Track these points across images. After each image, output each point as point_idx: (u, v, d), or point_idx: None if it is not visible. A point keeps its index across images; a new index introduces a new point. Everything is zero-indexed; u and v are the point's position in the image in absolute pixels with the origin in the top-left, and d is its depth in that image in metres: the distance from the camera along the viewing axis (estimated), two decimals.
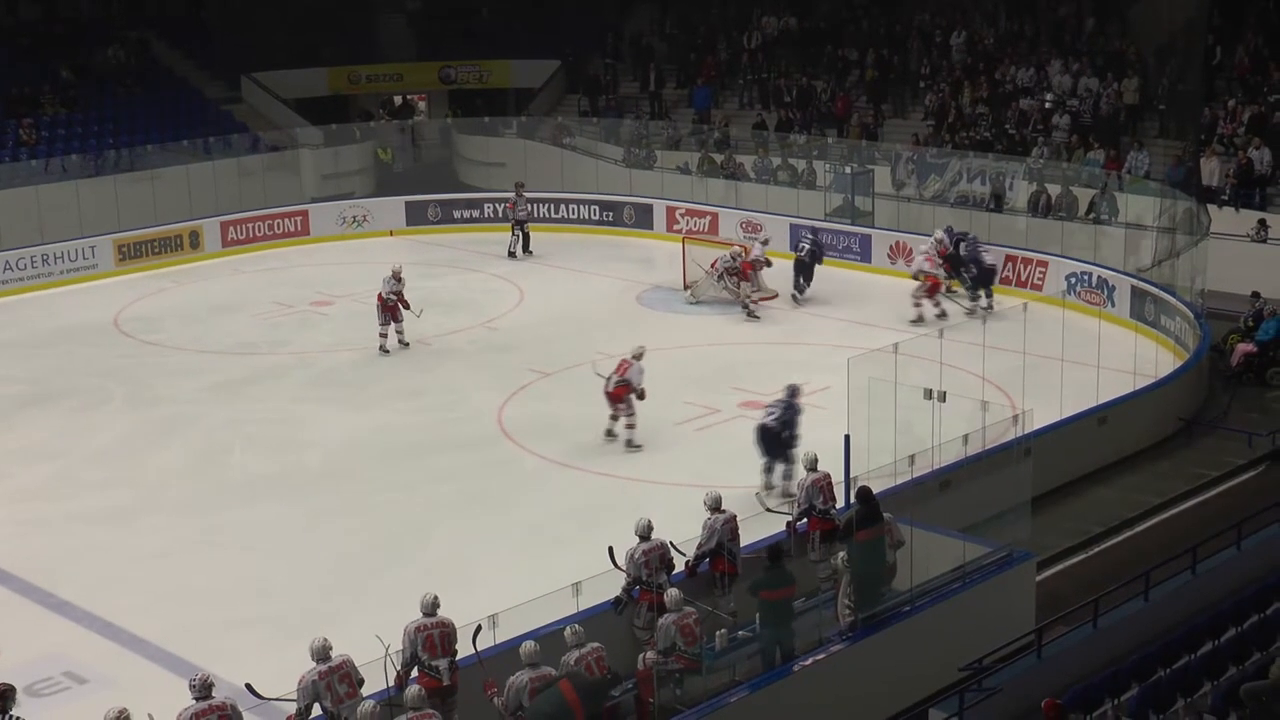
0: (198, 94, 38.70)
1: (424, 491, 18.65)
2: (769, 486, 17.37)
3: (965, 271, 25.67)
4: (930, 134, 32.96)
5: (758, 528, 14.06)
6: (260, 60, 40.00)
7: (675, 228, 32.03)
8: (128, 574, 16.39)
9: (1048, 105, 32.24)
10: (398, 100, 44.62)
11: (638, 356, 19.81)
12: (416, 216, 34.26)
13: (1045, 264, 26.73)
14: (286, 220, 33.96)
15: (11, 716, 10.00)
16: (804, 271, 26.94)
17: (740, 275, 26.53)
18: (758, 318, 25.92)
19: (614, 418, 19.87)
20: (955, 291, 25.99)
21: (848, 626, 12.93)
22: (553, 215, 34.10)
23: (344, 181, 36.93)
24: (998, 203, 29.52)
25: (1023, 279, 26.93)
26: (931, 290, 25.33)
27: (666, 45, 41.44)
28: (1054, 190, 28.72)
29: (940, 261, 25.65)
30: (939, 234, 26.12)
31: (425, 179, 37.72)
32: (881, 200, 30.79)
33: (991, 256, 25.90)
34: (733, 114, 37.32)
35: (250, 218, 33.50)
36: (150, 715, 10.95)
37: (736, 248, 27.42)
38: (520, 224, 31.51)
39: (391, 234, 33.53)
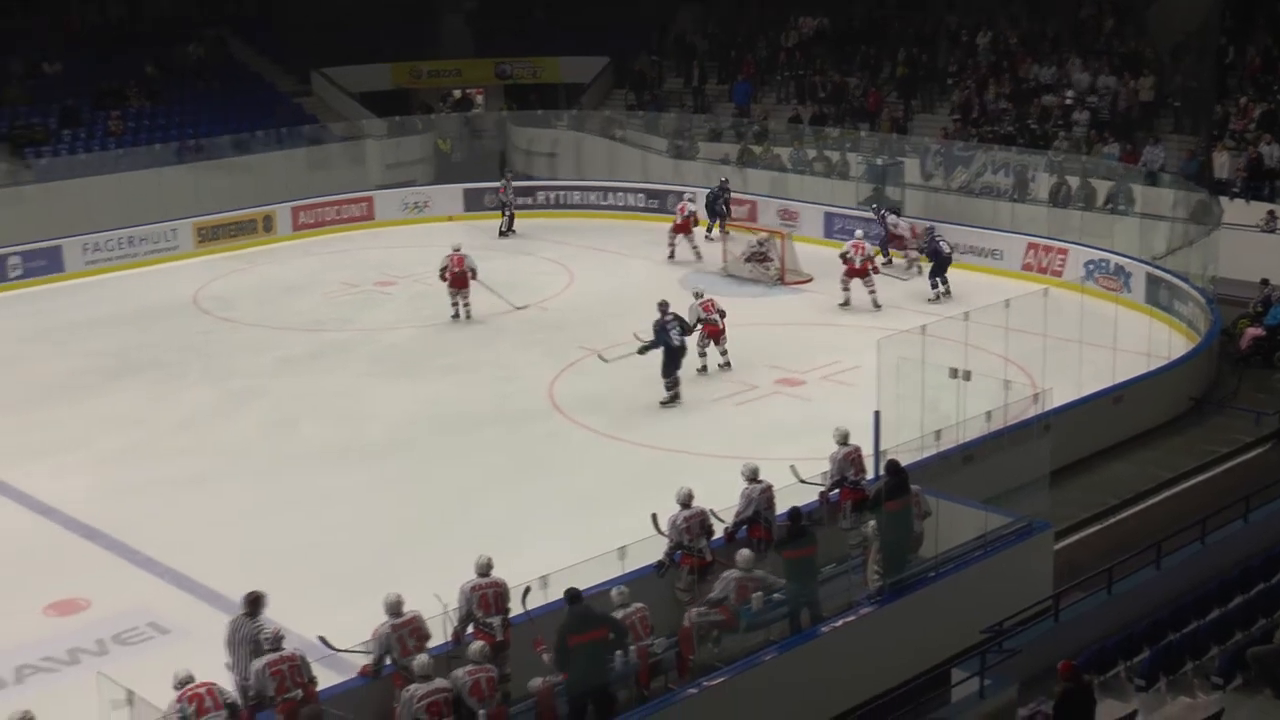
0: (270, 87, 38.81)
1: (479, 460, 18.72)
2: (677, 395, 20.13)
3: (917, 254, 25.97)
4: (957, 128, 32.72)
5: (792, 497, 14.03)
6: (329, 56, 40.06)
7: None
8: (205, 534, 16.54)
9: (1068, 102, 31.96)
10: (457, 94, 44.65)
11: (699, 295, 21.96)
12: (474, 203, 34.29)
13: (1065, 252, 26.52)
14: (353, 206, 34.07)
15: None
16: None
17: (762, 259, 26.96)
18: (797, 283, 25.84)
19: (705, 353, 21.62)
20: (891, 264, 26.79)
21: (876, 591, 12.92)
22: (601, 202, 34.06)
23: (406, 170, 36.98)
24: (1020, 193, 29.31)
25: (1043, 266, 26.73)
26: (855, 273, 24.96)
27: (708, 43, 41.28)
28: (1073, 182, 28.49)
29: (872, 246, 26.02)
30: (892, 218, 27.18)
31: (482, 168, 37.75)
32: (911, 190, 30.63)
33: (948, 247, 25.75)
34: (770, 108, 37.17)
35: (319, 203, 33.63)
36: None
37: (763, 233, 27.55)
38: (506, 206, 32.16)
39: (450, 219, 33.56)
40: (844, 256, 25.08)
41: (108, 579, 15.53)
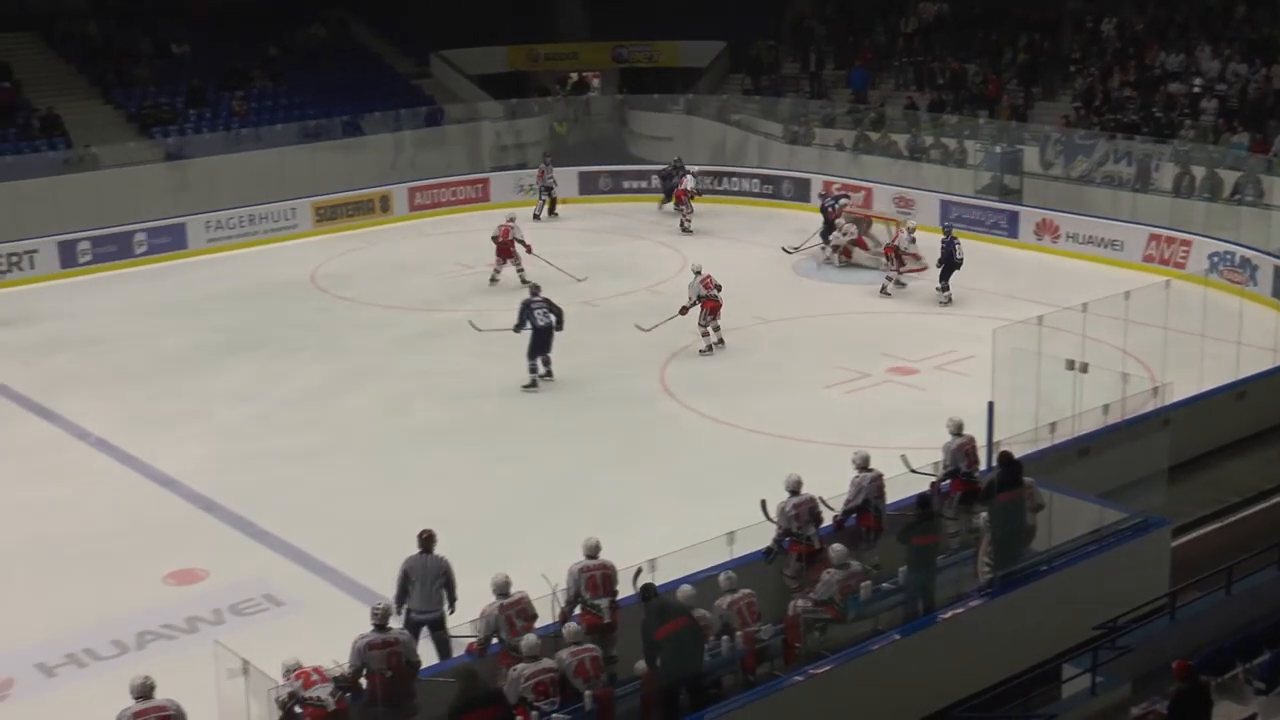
0: (390, 69, 39.24)
1: (590, 442, 18.82)
2: (535, 382, 20.62)
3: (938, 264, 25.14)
4: (1079, 116, 32.15)
5: (902, 487, 13.93)
6: (447, 38, 40.41)
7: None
8: (319, 508, 16.81)
9: (1196, 89, 31.24)
10: (573, 77, 44.83)
11: (698, 271, 22.61)
12: (588, 186, 34.45)
13: (1189, 243, 25.99)
14: (468, 187, 34.38)
15: None
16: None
17: (846, 252, 27.30)
18: (903, 285, 25.57)
19: (707, 332, 22.05)
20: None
21: (986, 583, 12.78)
22: (716, 187, 34.01)
23: (521, 152, 37.23)
24: (1143, 183, 28.76)
25: (1165, 257, 26.23)
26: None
27: (826, 29, 41.00)
28: (1198, 172, 27.89)
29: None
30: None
31: (596, 151, 37.92)
32: (1030, 179, 30.22)
33: (961, 253, 25.03)
34: (888, 94, 36.82)
35: (435, 184, 33.99)
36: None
37: (849, 226, 27.38)
38: (548, 190, 32.49)
39: (565, 201, 33.73)
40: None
41: (225, 550, 15.87)
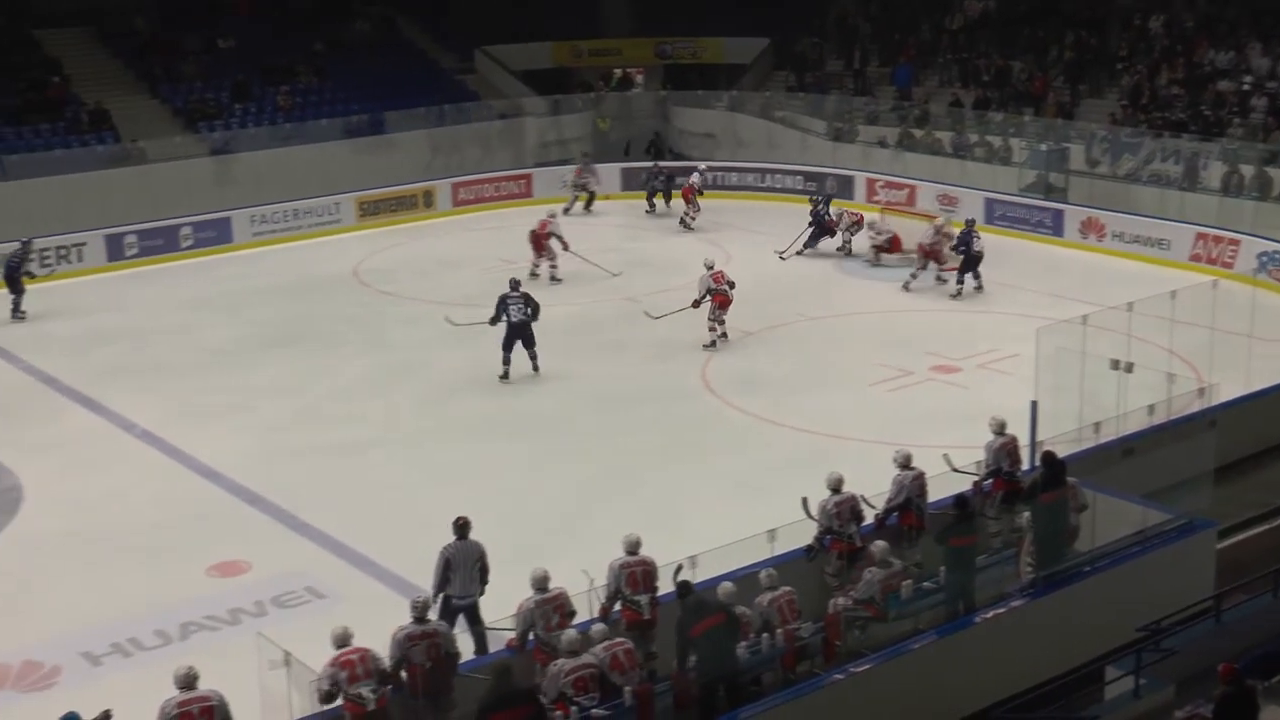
0: (434, 65, 39.36)
1: (631, 439, 18.82)
2: (507, 374, 20.74)
3: (956, 252, 25.29)
4: (1125, 114, 31.89)
5: (944, 486, 13.87)
6: (492, 34, 40.51)
7: (874, 198, 31.66)
8: (361, 501, 16.90)
9: (1245, 87, 30.94)
10: (616, 74, 44.81)
11: (710, 266, 22.57)
12: (631, 182, 34.46)
13: (1236, 243, 25.76)
14: (511, 183, 34.49)
15: None
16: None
17: (884, 249, 27.30)
18: (942, 280, 25.45)
19: (714, 326, 22.24)
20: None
21: (1029, 583, 12.71)
22: (759, 184, 33.98)
23: (564, 148, 37.28)
24: (1191, 182, 28.51)
25: (1213, 257, 26.01)
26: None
27: (871, 26, 40.83)
28: (1247, 171, 27.63)
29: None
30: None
31: (639, 148, 37.93)
32: (1075, 177, 30.01)
33: (980, 245, 25.01)
34: (932, 91, 36.63)
35: (478, 180, 34.12)
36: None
37: (884, 226, 27.27)
38: (582, 187, 32.85)
39: (607, 197, 33.74)
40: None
41: (268, 543, 15.98)
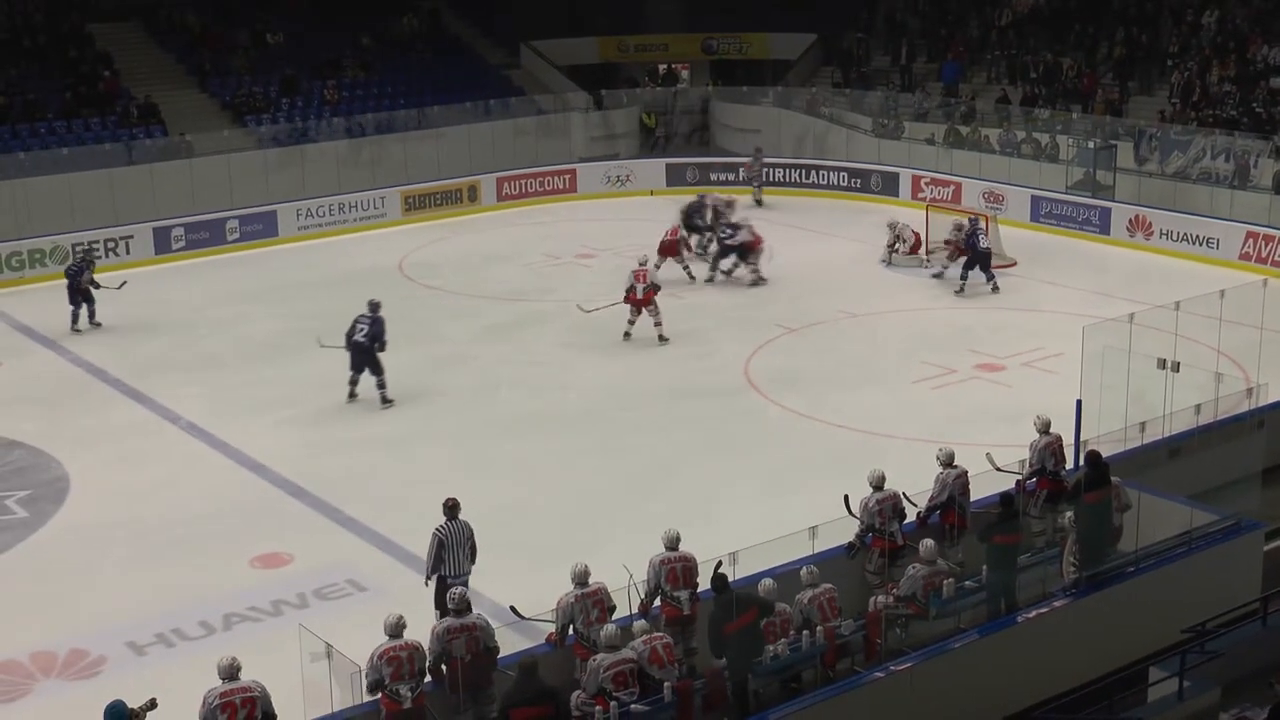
0: (480, 59, 39.46)
1: (673, 434, 18.81)
2: (353, 396, 19.87)
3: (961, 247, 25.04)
4: (1175, 111, 31.60)
5: (987, 485, 13.79)
6: (538, 29, 40.59)
7: (920, 196, 31.53)
8: (404, 495, 16.94)
9: None
10: (662, 69, 44.79)
11: (644, 263, 22.45)
12: (676, 178, 34.45)
13: None
14: (556, 178, 34.53)
15: None
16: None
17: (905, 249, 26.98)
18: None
19: (633, 322, 22.23)
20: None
21: (1072, 583, 12.63)
22: (804, 180, 33.89)
23: (610, 144, 37.31)
24: (1242, 180, 28.21)
25: (1263, 255, 25.75)
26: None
27: (919, 21, 40.64)
28: None
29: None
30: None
31: (685, 143, 37.91)
32: (1123, 175, 29.76)
33: (985, 243, 24.78)
34: (979, 88, 36.43)
35: (523, 175, 34.19)
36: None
37: (907, 231, 27.00)
38: (754, 180, 32.53)
39: (652, 193, 33.76)
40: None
41: (311, 535, 16.08)
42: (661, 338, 22.38)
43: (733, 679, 11.16)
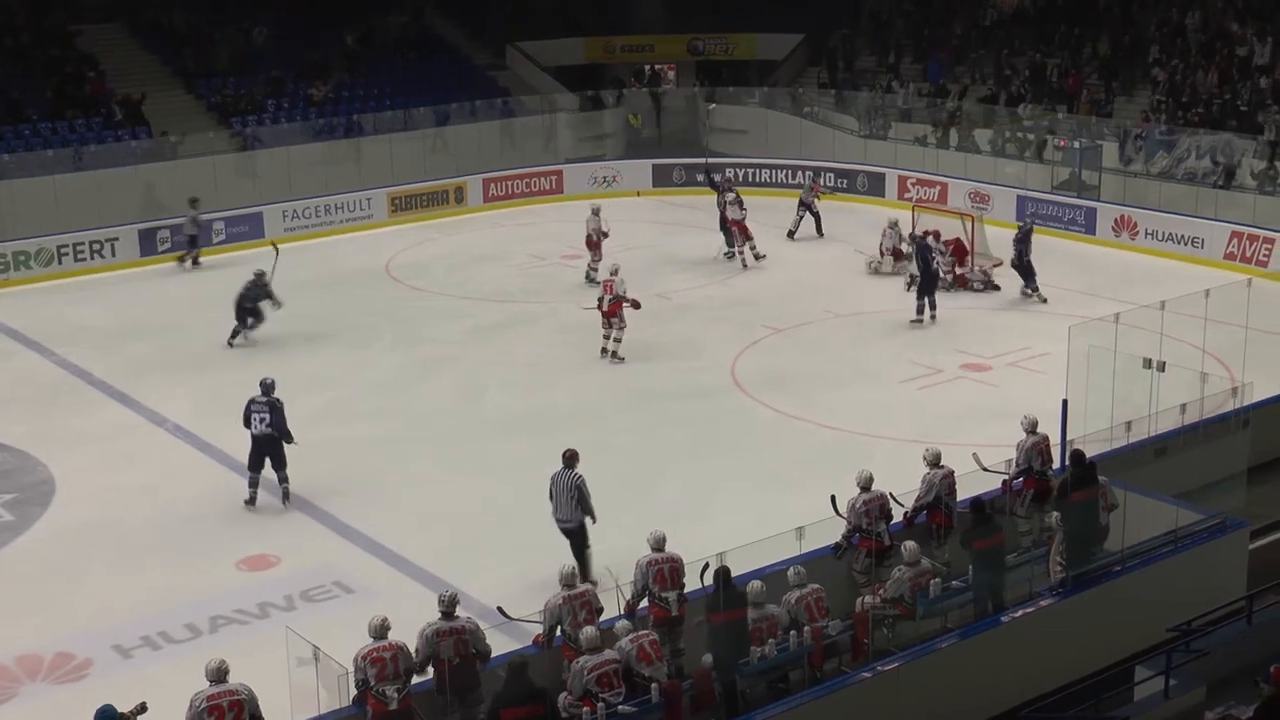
0: (467, 61, 39.40)
1: (660, 435, 18.81)
2: (253, 497, 16.68)
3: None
4: (1161, 111, 31.68)
5: (974, 484, 13.81)
6: (524, 30, 40.57)
7: (906, 196, 31.56)
8: (392, 496, 16.94)
9: None
10: (648, 70, 44.79)
11: (615, 273, 21.77)
12: (662, 178, 34.44)
13: (1272, 241, 25.57)
14: (542, 179, 34.49)
15: None
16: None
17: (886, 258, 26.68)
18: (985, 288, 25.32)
19: (607, 335, 21.56)
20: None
21: (1058, 583, 12.65)
22: (790, 181, 33.86)
23: (596, 144, 37.28)
24: (1227, 179, 28.29)
25: (1248, 255, 25.83)
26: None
27: (904, 22, 40.69)
28: None
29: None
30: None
31: (671, 144, 37.89)
32: (1109, 174, 29.83)
33: (938, 264, 23.92)
34: (965, 88, 36.46)
35: (510, 176, 34.14)
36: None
37: (891, 232, 26.89)
38: (808, 206, 29.89)
39: (639, 194, 33.74)
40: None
41: (298, 537, 16.04)
42: (615, 355, 21.53)
43: (719, 676, 11.15)
